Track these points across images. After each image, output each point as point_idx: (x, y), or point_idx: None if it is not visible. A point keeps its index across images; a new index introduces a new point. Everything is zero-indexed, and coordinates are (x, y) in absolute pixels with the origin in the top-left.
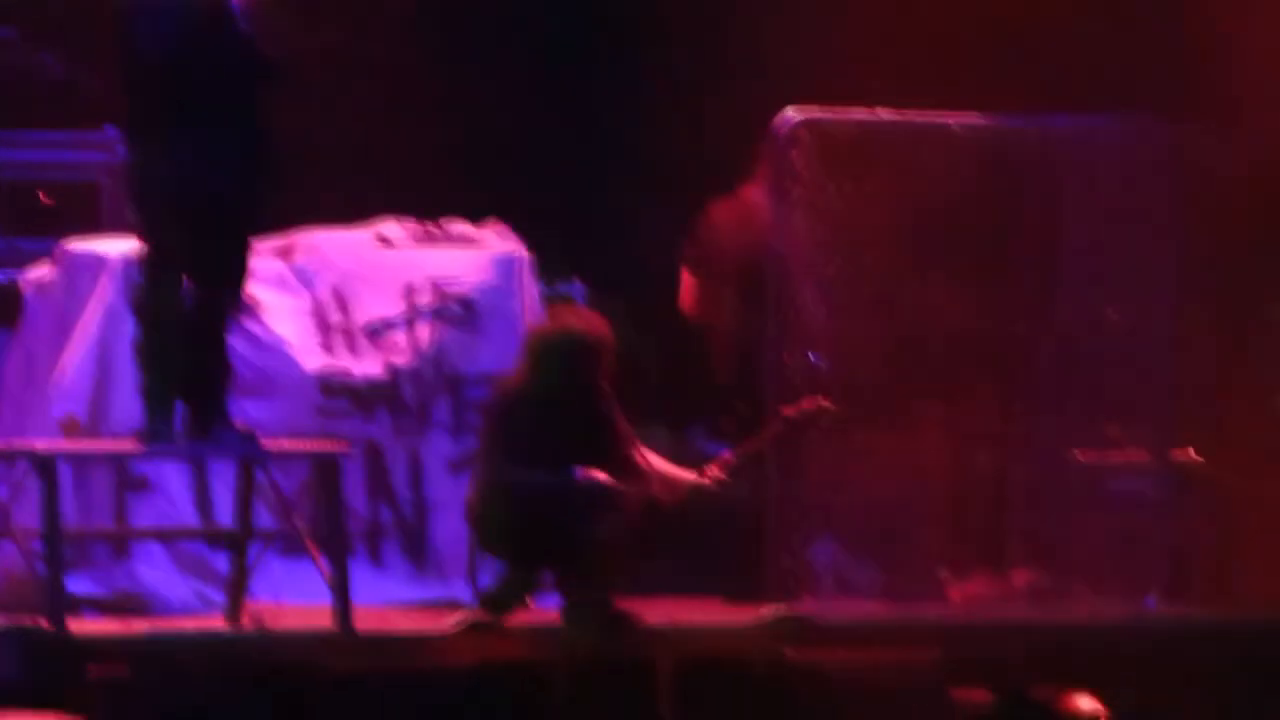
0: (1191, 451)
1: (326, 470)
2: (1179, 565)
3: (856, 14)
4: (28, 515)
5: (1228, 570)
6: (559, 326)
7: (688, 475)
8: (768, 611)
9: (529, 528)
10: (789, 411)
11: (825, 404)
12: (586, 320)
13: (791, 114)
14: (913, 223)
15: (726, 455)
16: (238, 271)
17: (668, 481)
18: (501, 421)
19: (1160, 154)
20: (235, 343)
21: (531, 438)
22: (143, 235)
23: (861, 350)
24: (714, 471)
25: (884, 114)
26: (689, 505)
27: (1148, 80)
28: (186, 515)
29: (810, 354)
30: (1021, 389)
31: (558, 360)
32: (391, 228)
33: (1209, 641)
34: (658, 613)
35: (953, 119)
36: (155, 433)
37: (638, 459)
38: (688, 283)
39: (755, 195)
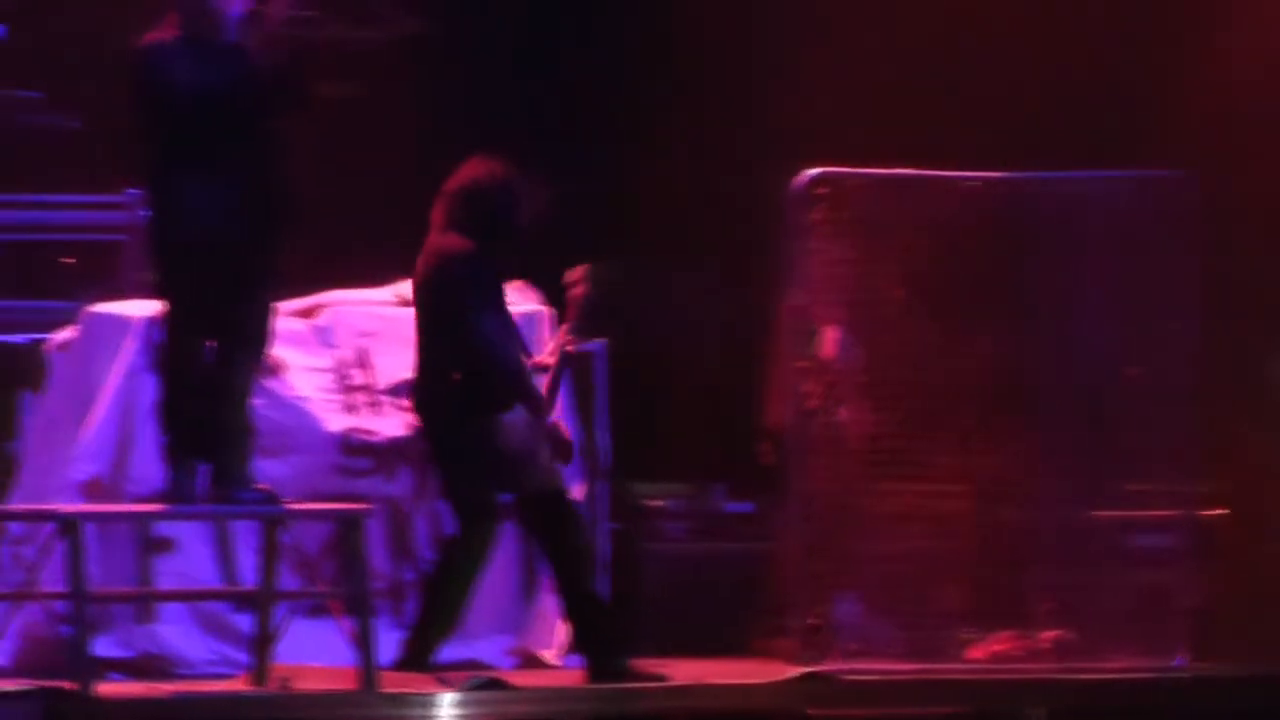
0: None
1: (349, 530)
2: (1205, 622)
3: (877, 75)
4: (52, 578)
5: (1254, 626)
6: (477, 174)
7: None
8: (791, 670)
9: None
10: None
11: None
12: (493, 164)
13: (809, 171)
14: (930, 278)
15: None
16: (260, 330)
17: None
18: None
19: (1176, 208)
20: (257, 402)
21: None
22: (163, 294)
23: (880, 403)
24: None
25: (901, 171)
26: None
27: (1160, 135)
28: (209, 576)
29: (841, 409)
30: (1043, 443)
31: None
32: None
33: (1237, 699)
34: (681, 671)
35: (970, 175)
36: (178, 494)
37: None
38: None
39: None
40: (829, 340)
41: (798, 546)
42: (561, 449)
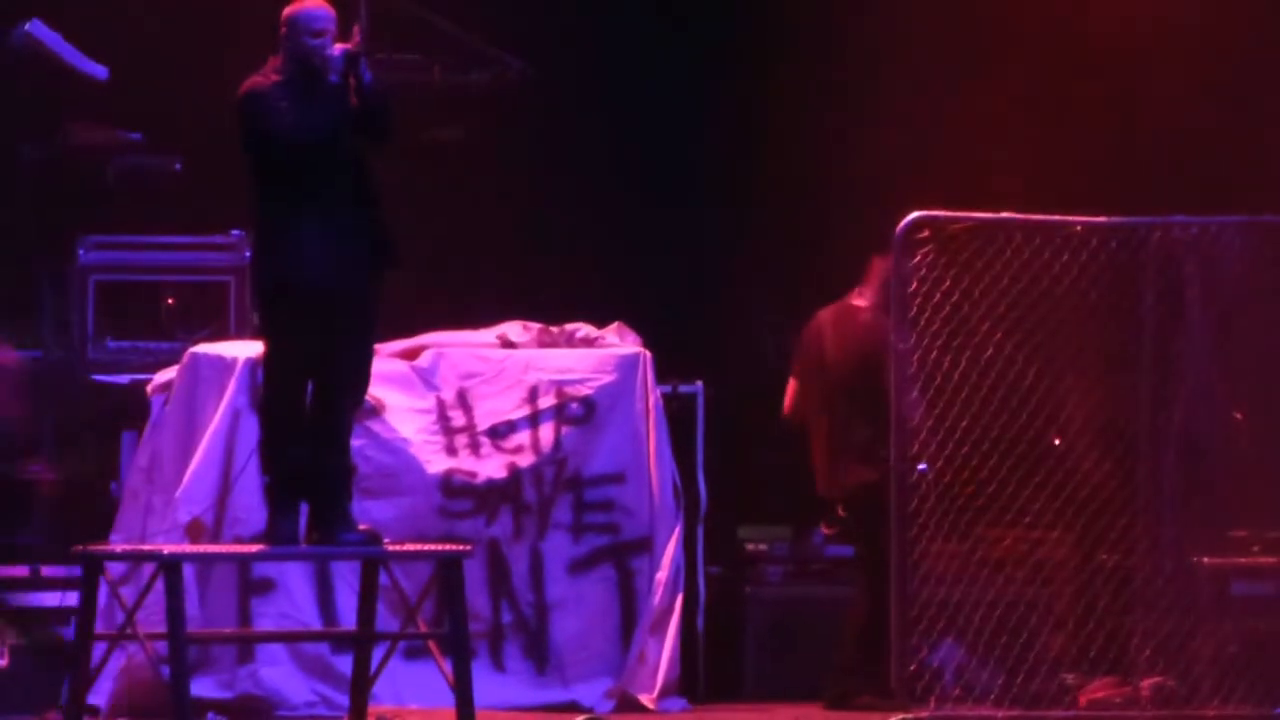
0: None
1: (449, 572)
2: None
3: (984, 121)
4: (152, 618)
5: None
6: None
7: None
8: (892, 716)
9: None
10: None
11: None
12: None
13: (913, 213)
14: (1034, 320)
15: None
16: (361, 371)
17: None
18: None
19: None
20: (359, 443)
21: None
22: (266, 334)
23: (983, 446)
24: None
25: (1002, 215)
26: None
27: (1270, 181)
28: (310, 617)
29: (920, 465)
30: (1145, 489)
31: None
32: (515, 330)
33: None
34: (782, 716)
35: (1072, 219)
36: (279, 535)
37: None
38: (792, 387)
39: (860, 300)
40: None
41: (897, 594)
42: None
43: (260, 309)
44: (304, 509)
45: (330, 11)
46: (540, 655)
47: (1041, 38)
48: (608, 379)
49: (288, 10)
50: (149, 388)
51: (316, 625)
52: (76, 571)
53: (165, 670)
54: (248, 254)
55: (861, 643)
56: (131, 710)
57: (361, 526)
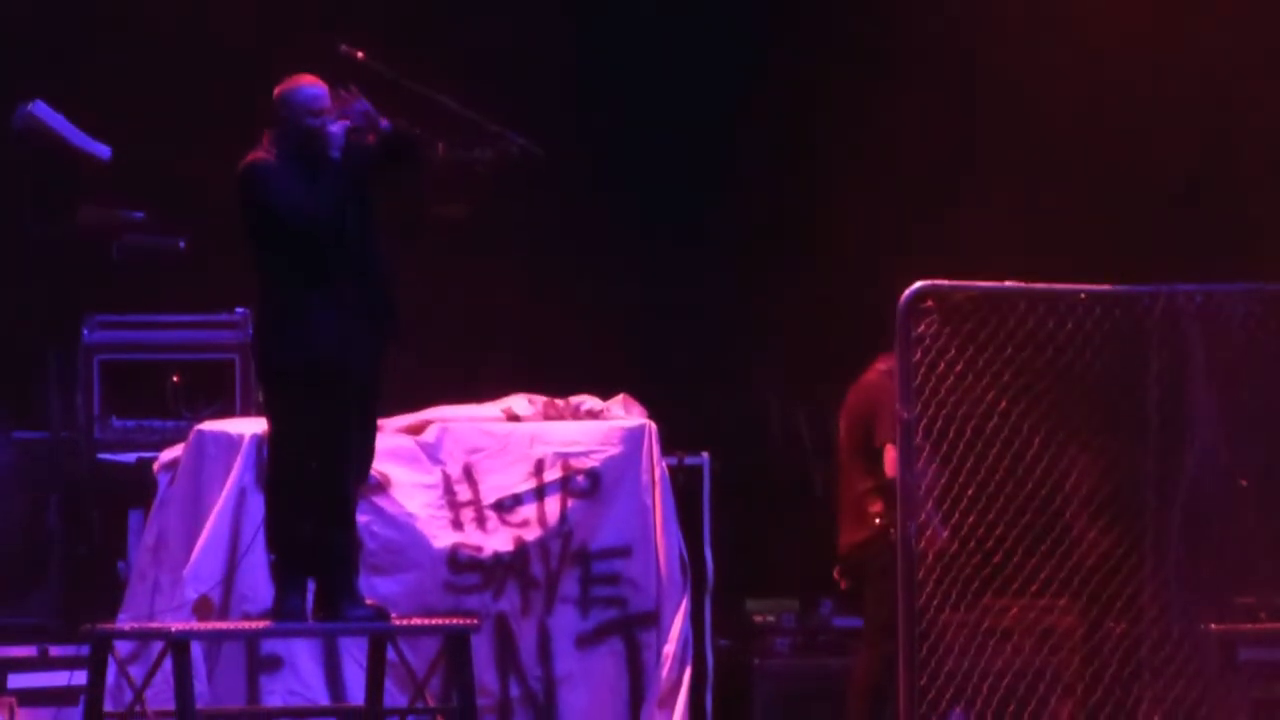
0: None
1: (456, 646)
2: None
3: (988, 189)
4: (160, 696)
5: None
6: None
7: None
8: None
9: None
10: None
11: None
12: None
13: (917, 283)
14: (1039, 389)
15: None
16: (366, 447)
17: None
18: None
19: None
20: (364, 520)
21: None
22: (270, 411)
23: (989, 515)
24: None
25: (1010, 283)
26: None
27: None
28: (318, 694)
29: (939, 527)
30: (1151, 556)
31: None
32: (520, 403)
33: None
34: None
35: (1079, 286)
36: (286, 611)
37: None
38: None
39: (884, 364)
40: (890, 459)
41: (905, 662)
42: None
43: (265, 386)
44: (311, 585)
45: (324, 88)
46: None
47: (1047, 106)
48: (613, 451)
49: (281, 90)
50: (155, 466)
51: (325, 702)
52: (84, 651)
53: None
54: (251, 331)
55: (864, 707)
56: None
57: (368, 602)
